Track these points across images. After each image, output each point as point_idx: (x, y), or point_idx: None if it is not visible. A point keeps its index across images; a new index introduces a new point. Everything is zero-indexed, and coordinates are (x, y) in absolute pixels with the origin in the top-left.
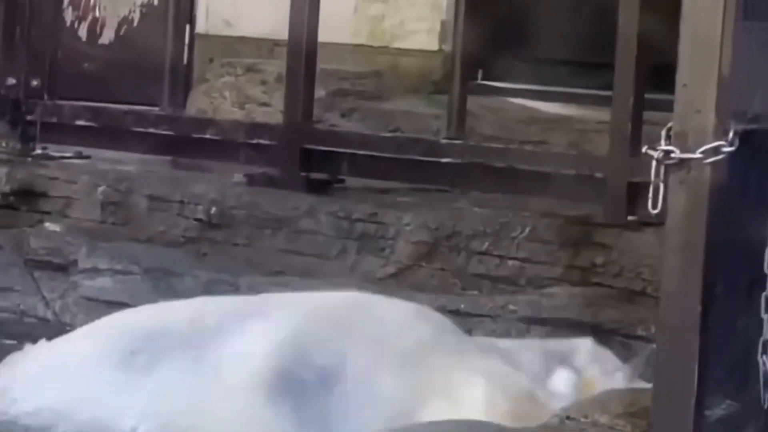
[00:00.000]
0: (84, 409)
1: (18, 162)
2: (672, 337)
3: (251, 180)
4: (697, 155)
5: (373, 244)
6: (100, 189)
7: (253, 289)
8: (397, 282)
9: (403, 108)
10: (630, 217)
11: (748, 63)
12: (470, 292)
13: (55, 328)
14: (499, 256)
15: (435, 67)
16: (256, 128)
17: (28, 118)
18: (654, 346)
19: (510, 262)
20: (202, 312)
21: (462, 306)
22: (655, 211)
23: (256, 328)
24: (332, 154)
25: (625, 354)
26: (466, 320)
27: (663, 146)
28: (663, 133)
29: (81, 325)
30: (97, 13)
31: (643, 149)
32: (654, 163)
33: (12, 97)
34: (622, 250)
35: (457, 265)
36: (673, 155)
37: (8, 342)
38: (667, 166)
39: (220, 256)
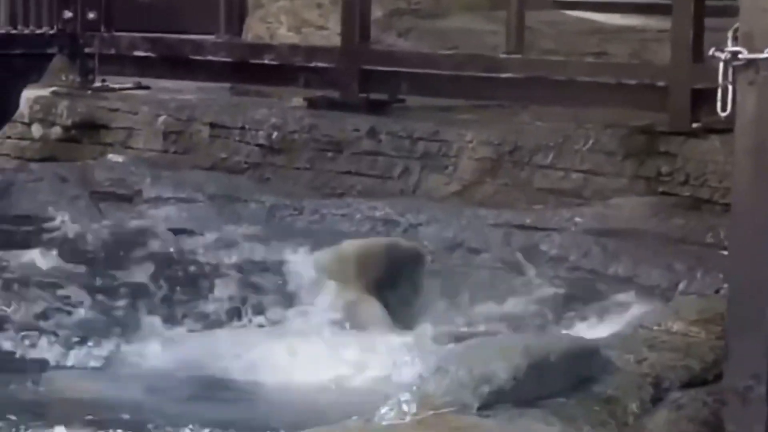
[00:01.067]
0: None
1: (78, 95)
2: (744, 241)
3: (311, 103)
4: (765, 55)
5: (436, 163)
6: (161, 119)
7: (317, 212)
8: (461, 199)
9: (461, 25)
10: (694, 124)
11: None
12: (535, 206)
13: None
14: (563, 169)
15: None
16: (314, 51)
17: (86, 50)
18: (724, 252)
19: (574, 175)
20: None
21: (527, 221)
22: (725, 114)
23: None
24: (391, 74)
25: (694, 262)
26: (532, 234)
27: (730, 48)
28: (729, 34)
29: None
30: None
31: (710, 51)
32: (721, 65)
33: (69, 30)
34: (687, 158)
35: (521, 179)
36: (740, 56)
37: None
38: (734, 68)
39: (283, 180)
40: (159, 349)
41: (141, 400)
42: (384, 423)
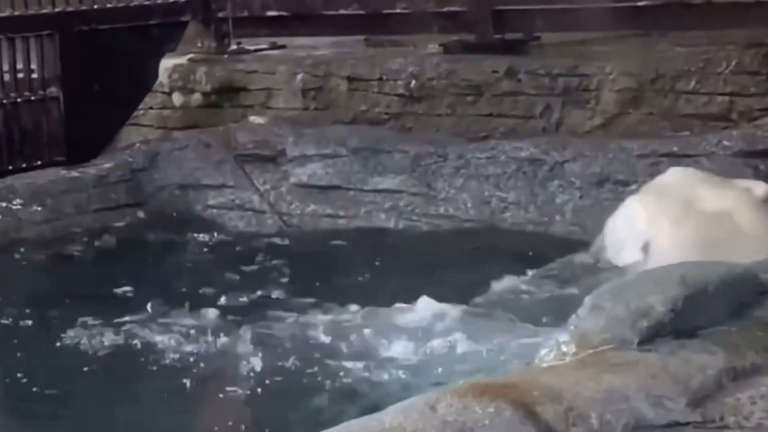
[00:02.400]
0: None
1: (215, 60)
2: None
3: (447, 49)
4: None
5: (577, 98)
6: (299, 76)
7: (462, 157)
8: (605, 132)
9: None
10: None
11: None
12: (681, 133)
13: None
14: (707, 94)
15: None
16: None
17: (220, 15)
18: None
19: (719, 98)
20: None
21: (675, 148)
22: None
23: None
24: (524, 13)
25: None
26: (680, 162)
27: None
28: None
29: (297, 212)
30: None
31: None
32: None
33: None
34: None
35: (665, 107)
36: None
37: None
38: None
39: (425, 128)
40: None
41: None
42: (545, 365)
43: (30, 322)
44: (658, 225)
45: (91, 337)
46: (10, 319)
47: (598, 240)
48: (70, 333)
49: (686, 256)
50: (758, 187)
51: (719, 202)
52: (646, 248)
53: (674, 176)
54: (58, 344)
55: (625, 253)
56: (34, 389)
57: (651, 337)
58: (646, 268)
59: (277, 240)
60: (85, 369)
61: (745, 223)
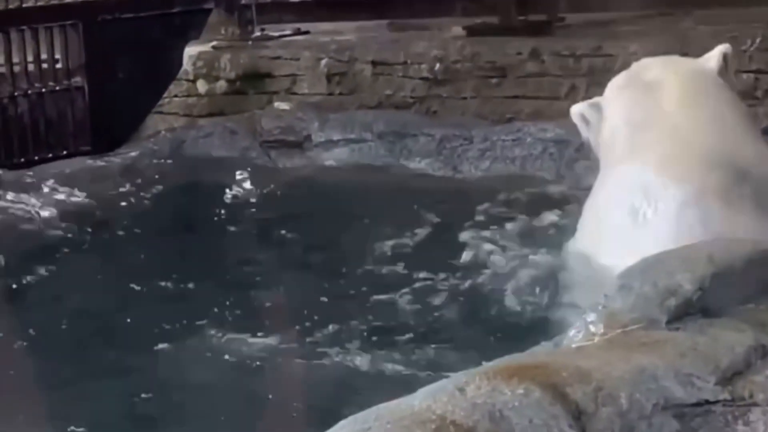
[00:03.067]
0: None
1: (239, 47)
2: None
3: (471, 31)
4: None
5: (602, 78)
6: (323, 62)
7: (488, 139)
8: None
9: None
10: None
11: None
12: None
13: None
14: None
15: None
16: None
17: (243, 1)
18: None
19: (744, 75)
20: None
21: None
22: None
23: None
24: None
25: None
26: None
27: None
28: None
29: None
30: None
31: None
32: None
33: None
34: None
35: None
36: None
37: None
38: None
39: (450, 111)
40: None
41: None
42: (573, 346)
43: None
44: (609, 91)
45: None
46: None
47: None
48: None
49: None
50: (714, 52)
51: (658, 73)
52: (595, 105)
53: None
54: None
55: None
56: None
57: (679, 316)
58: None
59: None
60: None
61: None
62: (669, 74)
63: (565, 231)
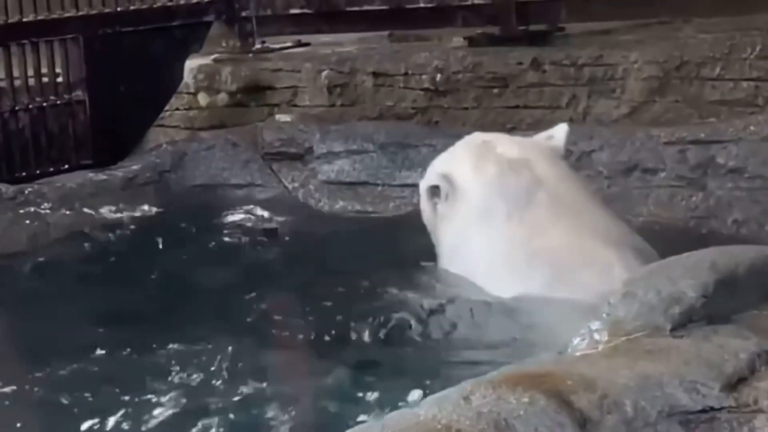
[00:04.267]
0: None
1: (240, 60)
2: None
3: (471, 42)
4: None
5: (603, 87)
6: (324, 73)
7: None
8: (632, 121)
9: None
10: None
11: None
12: (708, 120)
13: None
14: (733, 80)
15: None
16: None
17: (243, 14)
18: None
19: (744, 84)
20: None
21: (702, 135)
22: None
23: None
24: (548, 3)
25: None
26: (708, 148)
27: None
28: None
29: (326, 208)
30: None
31: None
32: None
33: None
34: None
35: (691, 94)
36: None
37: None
38: None
39: (451, 121)
40: None
41: None
42: (578, 354)
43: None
44: (461, 164)
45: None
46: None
47: None
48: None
49: (487, 195)
50: (558, 131)
51: (517, 150)
52: (448, 179)
53: (479, 137)
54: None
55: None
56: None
57: (683, 323)
58: (455, 202)
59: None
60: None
61: (541, 169)
62: (532, 153)
63: None
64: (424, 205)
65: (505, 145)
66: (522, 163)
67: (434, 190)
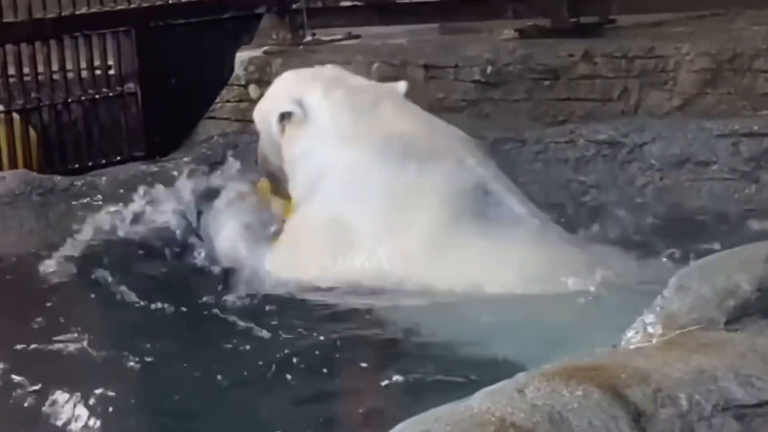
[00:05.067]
0: None
1: (291, 52)
2: None
3: (522, 34)
4: None
5: (655, 79)
6: (375, 66)
7: (540, 142)
8: (683, 113)
9: None
10: None
11: None
12: (761, 112)
13: None
14: None
15: None
16: None
17: (294, 6)
18: None
19: None
20: None
21: (755, 127)
22: None
23: None
24: None
25: None
26: (761, 141)
27: None
28: None
29: None
30: None
31: None
32: None
33: None
34: None
35: (743, 86)
36: None
37: None
38: None
39: (502, 114)
40: None
41: None
42: (631, 347)
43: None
44: (311, 87)
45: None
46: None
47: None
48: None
49: (338, 117)
50: (399, 85)
51: (363, 79)
52: (299, 103)
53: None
54: None
55: (280, 106)
56: None
57: (738, 317)
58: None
59: None
60: None
61: (387, 92)
62: (376, 85)
63: None
64: (270, 133)
65: (350, 76)
66: (368, 87)
67: (286, 115)
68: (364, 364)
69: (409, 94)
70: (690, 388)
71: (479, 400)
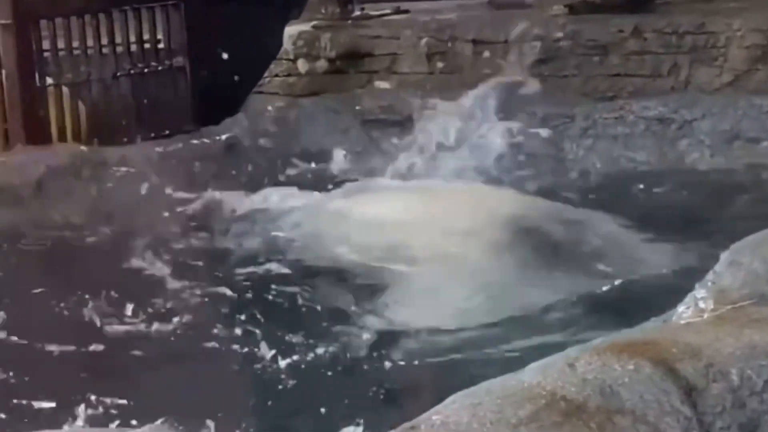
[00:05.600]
0: None
1: (339, 26)
2: None
3: (572, 9)
4: None
5: (705, 55)
6: (424, 41)
7: (590, 117)
8: (734, 89)
9: None
10: None
11: None
12: None
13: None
14: None
15: None
16: None
17: None
18: None
19: None
20: None
21: None
22: None
23: None
24: None
25: None
26: None
27: None
28: None
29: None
30: None
31: None
32: None
33: None
34: None
35: None
36: None
37: None
38: None
39: (552, 89)
40: None
41: None
42: (682, 322)
43: None
44: None
45: None
46: None
47: None
48: None
49: None
50: None
51: None
52: None
53: None
54: None
55: None
56: None
57: None
58: None
59: None
60: None
61: None
62: None
63: None
64: None
65: None
66: None
67: None
68: None
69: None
70: (741, 363)
71: (530, 374)
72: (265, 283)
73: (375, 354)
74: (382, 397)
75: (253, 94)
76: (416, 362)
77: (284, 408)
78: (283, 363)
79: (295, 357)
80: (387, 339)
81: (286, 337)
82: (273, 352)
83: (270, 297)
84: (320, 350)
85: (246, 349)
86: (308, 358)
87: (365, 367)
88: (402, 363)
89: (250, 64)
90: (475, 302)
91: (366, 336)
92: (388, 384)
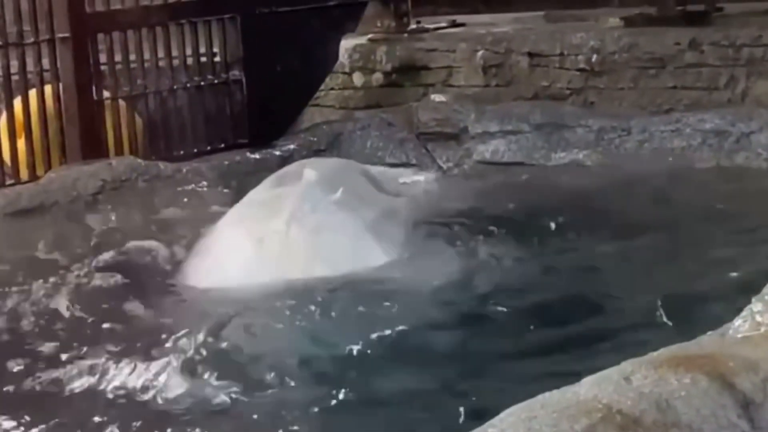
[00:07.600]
0: None
1: (395, 39)
2: None
3: (628, 22)
4: None
5: (763, 68)
6: (480, 53)
7: (646, 131)
8: None
9: None
10: None
11: None
12: None
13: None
14: None
15: None
16: None
17: None
18: None
19: None
20: None
21: None
22: None
23: None
24: None
25: None
26: None
27: None
28: None
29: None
30: None
31: None
32: None
33: None
34: None
35: None
36: None
37: None
38: None
39: (607, 102)
40: None
41: None
42: (739, 335)
43: None
44: None
45: None
46: None
47: None
48: None
49: None
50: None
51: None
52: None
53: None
54: None
55: None
56: None
57: None
58: None
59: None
60: None
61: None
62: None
63: None
64: None
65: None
66: None
67: None
68: None
69: (512, 83)
70: None
71: (586, 388)
72: None
73: None
74: None
75: (308, 107)
76: None
77: None
78: None
79: None
80: None
81: None
82: None
83: None
84: None
85: None
86: None
87: None
88: None
89: (306, 77)
90: None
91: None
92: None
